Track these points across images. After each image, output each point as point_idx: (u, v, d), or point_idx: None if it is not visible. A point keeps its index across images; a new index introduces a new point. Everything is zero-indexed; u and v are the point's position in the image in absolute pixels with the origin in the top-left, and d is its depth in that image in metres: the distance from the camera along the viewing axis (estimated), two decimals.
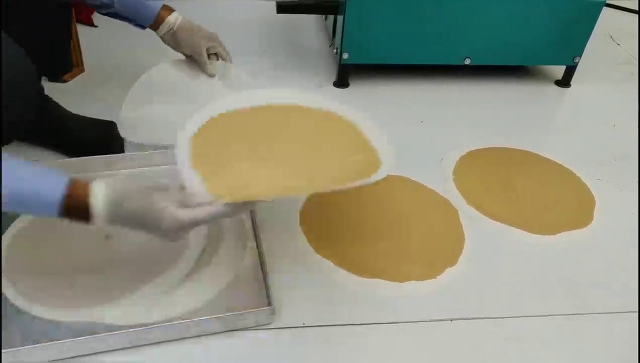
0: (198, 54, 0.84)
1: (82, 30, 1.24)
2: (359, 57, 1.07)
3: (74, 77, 1.02)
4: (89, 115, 0.85)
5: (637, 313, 0.64)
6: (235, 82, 0.89)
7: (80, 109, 0.86)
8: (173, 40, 0.84)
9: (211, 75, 0.85)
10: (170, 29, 0.82)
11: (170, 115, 0.84)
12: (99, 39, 1.20)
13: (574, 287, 0.67)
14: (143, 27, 0.83)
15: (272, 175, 0.56)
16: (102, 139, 0.83)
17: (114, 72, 1.06)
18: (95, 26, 1.26)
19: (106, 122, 0.85)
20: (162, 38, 0.85)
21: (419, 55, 1.10)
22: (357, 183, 0.54)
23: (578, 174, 0.90)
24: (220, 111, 0.65)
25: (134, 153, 0.81)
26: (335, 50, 1.07)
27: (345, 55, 1.06)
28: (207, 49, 0.84)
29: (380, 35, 1.05)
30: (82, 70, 1.05)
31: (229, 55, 0.89)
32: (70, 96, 0.95)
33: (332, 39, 1.14)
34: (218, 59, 0.86)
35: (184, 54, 0.86)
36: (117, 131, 0.78)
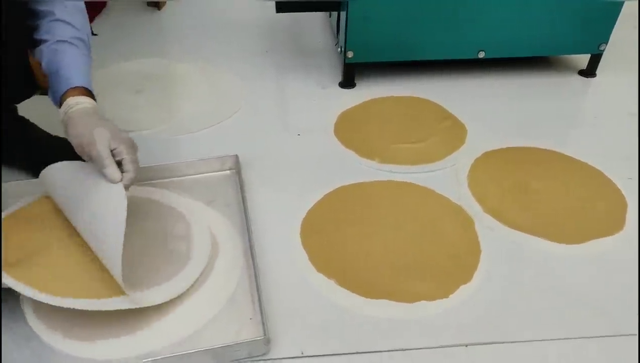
0: (89, 146, 0.59)
1: None
2: (364, 56, 1.01)
3: None
4: None
5: None
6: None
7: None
8: (64, 130, 0.62)
9: (111, 181, 0.59)
10: (65, 114, 0.61)
11: None
12: (97, 48, 1.17)
13: (605, 305, 0.60)
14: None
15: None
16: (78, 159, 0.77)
17: (108, 84, 1.02)
18: (95, 34, 1.23)
19: None
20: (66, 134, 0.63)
21: (429, 51, 1.03)
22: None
23: (607, 174, 0.82)
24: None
25: None
26: (339, 49, 1.02)
27: (349, 54, 1.00)
28: (112, 152, 0.60)
29: (386, 31, 0.98)
30: None
31: (134, 174, 0.61)
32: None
33: (337, 37, 1.08)
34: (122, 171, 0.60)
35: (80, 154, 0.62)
36: None
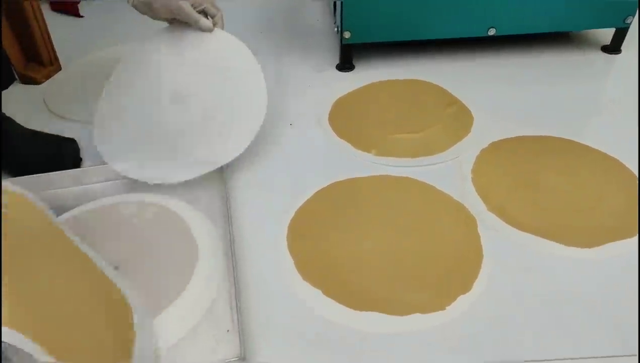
0: (179, 12, 0.72)
1: (65, 22, 1.17)
2: (363, 36, 0.93)
3: (48, 78, 0.94)
4: (64, 120, 0.78)
5: None
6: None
7: (54, 112, 0.78)
8: (146, 6, 0.71)
9: (207, 31, 0.74)
10: None
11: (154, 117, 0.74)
12: (85, 31, 1.12)
13: (621, 318, 0.54)
14: None
15: None
16: (53, 158, 0.73)
17: (97, 70, 0.97)
18: (82, 16, 1.17)
19: (61, 140, 0.76)
20: (135, 6, 0.73)
21: (433, 30, 0.95)
22: None
23: (626, 164, 0.74)
24: None
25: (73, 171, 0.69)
26: (336, 29, 0.94)
27: (346, 35, 0.92)
28: (193, 5, 0.73)
29: (386, 9, 0.90)
30: (58, 69, 0.96)
31: (220, 13, 0.77)
32: (40, 100, 0.88)
33: (334, 17, 1.00)
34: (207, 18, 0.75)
35: (166, 21, 0.76)
36: (71, 150, 0.70)
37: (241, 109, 0.74)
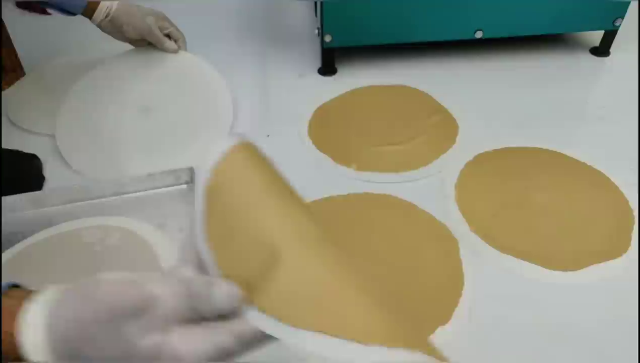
0: (148, 33, 0.78)
1: (31, 22, 1.11)
2: (345, 39, 0.89)
3: (10, 84, 0.88)
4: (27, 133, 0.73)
5: None
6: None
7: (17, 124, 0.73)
8: (113, 26, 0.77)
9: (172, 52, 0.82)
10: (108, 14, 0.76)
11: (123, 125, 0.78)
12: (52, 31, 1.05)
13: (603, 347, 0.52)
14: (73, 13, 0.75)
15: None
16: (11, 178, 0.68)
17: (64, 77, 0.90)
18: (49, 14, 1.11)
19: (21, 157, 0.72)
20: (100, 26, 0.78)
21: (418, 32, 0.90)
22: None
23: (614, 180, 0.72)
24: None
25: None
26: (316, 32, 0.89)
27: (327, 38, 0.88)
28: (159, 29, 0.80)
29: (368, 11, 0.86)
30: (21, 75, 0.90)
31: (183, 37, 0.84)
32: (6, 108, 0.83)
33: (316, 19, 0.95)
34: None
35: (131, 41, 0.81)
36: (32, 168, 0.66)
37: (207, 121, 0.79)
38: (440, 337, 0.53)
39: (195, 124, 0.78)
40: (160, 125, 0.78)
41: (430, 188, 0.71)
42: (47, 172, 0.74)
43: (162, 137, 0.76)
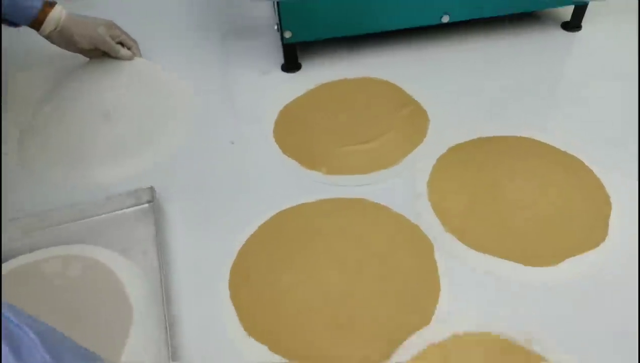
0: (102, 43, 0.77)
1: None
2: (305, 34, 0.85)
3: None
4: None
5: None
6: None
7: None
8: (62, 37, 0.74)
9: (127, 59, 0.81)
10: (57, 26, 0.73)
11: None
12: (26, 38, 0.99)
13: (584, 347, 0.51)
14: (16, 25, 0.72)
15: None
16: None
17: (37, 87, 0.86)
18: None
19: None
20: (49, 38, 0.75)
21: (381, 21, 0.87)
22: None
23: (590, 165, 0.70)
24: None
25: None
26: (276, 28, 0.85)
27: (287, 34, 0.84)
28: (111, 38, 0.78)
29: (327, 3, 0.81)
30: None
31: (135, 43, 0.83)
32: None
33: (275, 15, 0.91)
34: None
35: (82, 52, 0.79)
36: None
37: (168, 120, 0.79)
38: (417, 342, 0.52)
39: (158, 124, 0.78)
40: (123, 128, 0.76)
41: (403, 188, 0.69)
42: (13, 186, 0.70)
43: (126, 139, 0.75)
